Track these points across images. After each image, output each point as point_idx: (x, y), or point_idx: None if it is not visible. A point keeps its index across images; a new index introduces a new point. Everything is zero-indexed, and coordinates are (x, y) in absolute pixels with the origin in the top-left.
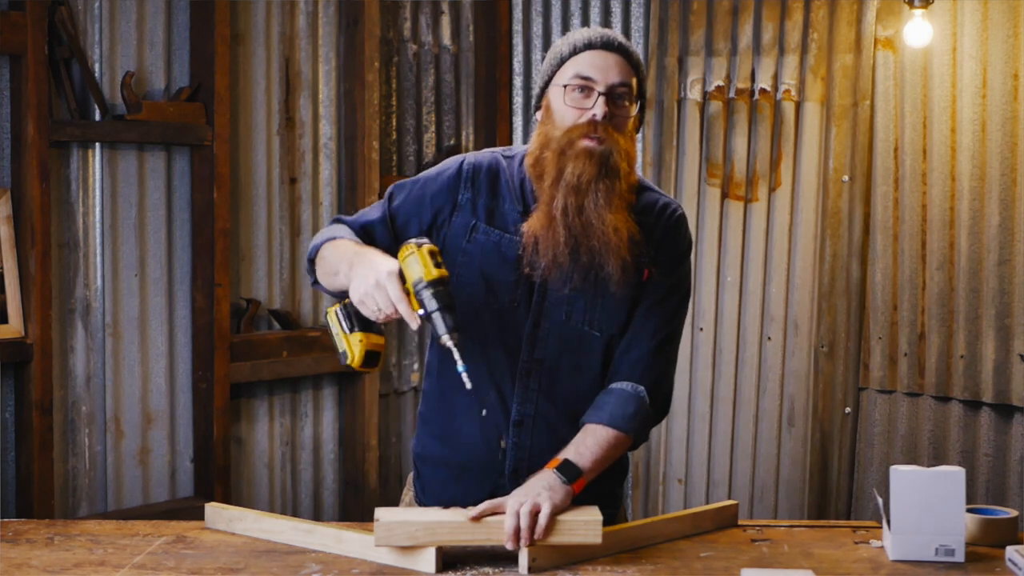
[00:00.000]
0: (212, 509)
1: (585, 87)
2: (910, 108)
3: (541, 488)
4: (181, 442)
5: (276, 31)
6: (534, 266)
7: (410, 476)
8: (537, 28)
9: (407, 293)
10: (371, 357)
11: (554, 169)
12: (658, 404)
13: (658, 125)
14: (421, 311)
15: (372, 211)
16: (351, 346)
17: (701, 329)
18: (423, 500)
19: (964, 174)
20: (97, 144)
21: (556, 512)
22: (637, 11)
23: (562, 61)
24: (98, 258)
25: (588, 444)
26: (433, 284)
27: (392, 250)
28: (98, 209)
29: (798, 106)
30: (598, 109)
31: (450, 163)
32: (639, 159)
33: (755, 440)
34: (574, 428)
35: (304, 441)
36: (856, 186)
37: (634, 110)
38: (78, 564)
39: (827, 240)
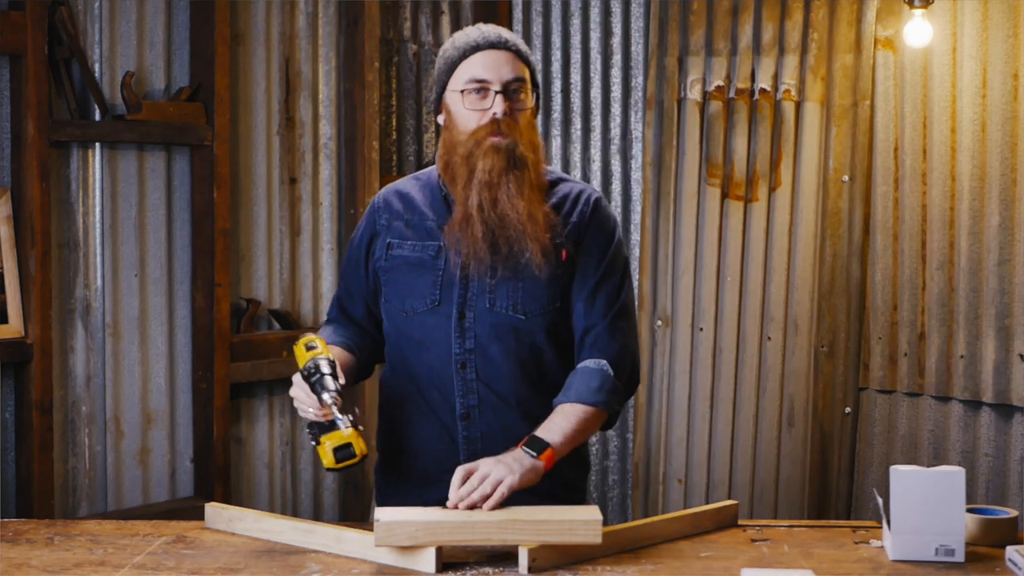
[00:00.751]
0: (212, 509)
1: (481, 88)
2: (910, 108)
3: (511, 460)
4: (181, 442)
5: (276, 31)
6: (459, 264)
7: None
8: (537, 28)
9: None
10: (340, 451)
11: (465, 170)
12: (624, 376)
13: (658, 125)
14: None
15: (334, 307)
16: (322, 455)
17: (701, 329)
18: None
19: (964, 174)
20: (97, 144)
21: (518, 485)
22: (637, 11)
23: (453, 66)
24: (98, 258)
25: (556, 420)
26: (305, 369)
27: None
28: (98, 209)
29: (798, 106)
30: (497, 107)
31: (370, 203)
32: (639, 159)
33: (755, 440)
34: (519, 412)
35: (304, 441)
36: (856, 186)
37: (530, 101)
38: (78, 564)
39: (827, 240)
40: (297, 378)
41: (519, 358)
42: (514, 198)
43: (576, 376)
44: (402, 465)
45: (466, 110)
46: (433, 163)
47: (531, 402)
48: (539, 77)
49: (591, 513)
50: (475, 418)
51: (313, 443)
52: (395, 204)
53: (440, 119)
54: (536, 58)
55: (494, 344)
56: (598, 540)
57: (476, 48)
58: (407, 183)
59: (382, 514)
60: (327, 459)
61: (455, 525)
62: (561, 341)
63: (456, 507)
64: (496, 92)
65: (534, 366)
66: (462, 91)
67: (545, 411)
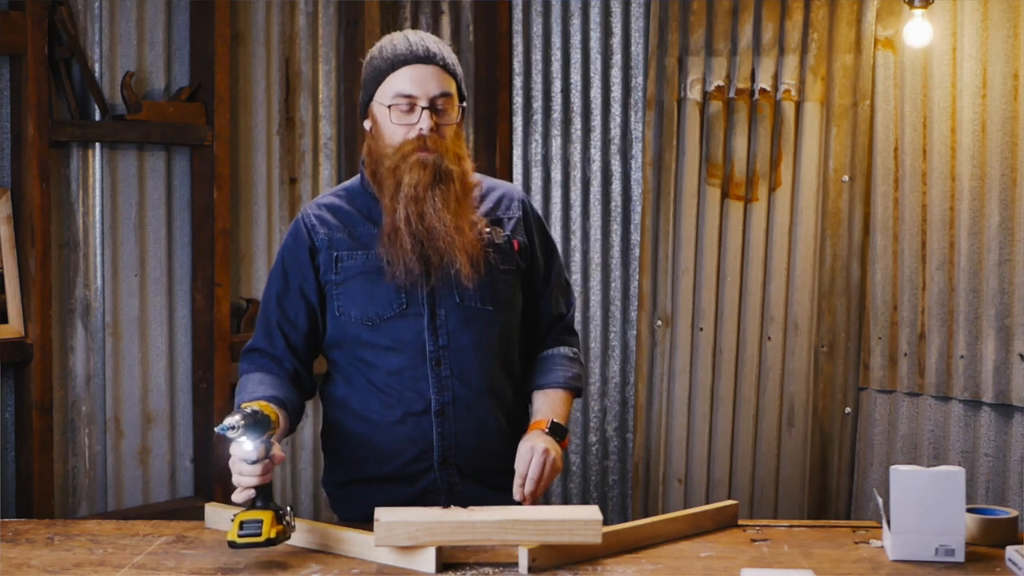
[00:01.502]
0: (212, 509)
1: (408, 103)
2: (910, 108)
3: (551, 444)
4: (181, 442)
5: (276, 31)
6: (393, 276)
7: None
8: (537, 28)
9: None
10: (248, 525)
11: (392, 182)
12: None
13: (658, 125)
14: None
15: (260, 336)
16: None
17: (701, 329)
18: (351, 517)
19: (964, 174)
20: (97, 144)
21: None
22: (637, 11)
23: (380, 77)
24: (98, 258)
25: (559, 403)
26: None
27: (312, 331)
28: (98, 209)
29: (798, 106)
30: (424, 123)
31: (290, 229)
32: (639, 159)
33: (755, 440)
34: (490, 403)
35: (304, 441)
36: (856, 186)
37: (457, 114)
38: (78, 564)
39: (827, 240)
40: (239, 447)
41: (489, 349)
42: (440, 211)
43: (555, 362)
44: (371, 472)
45: (392, 124)
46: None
47: (501, 393)
48: (464, 87)
49: (591, 513)
50: (449, 414)
51: (231, 518)
52: (330, 219)
53: (366, 125)
54: (536, 58)
55: (466, 338)
56: (598, 540)
57: (404, 62)
58: (331, 199)
59: (382, 514)
60: (231, 532)
61: (455, 525)
62: (520, 328)
63: (524, 498)
64: (423, 108)
65: (503, 356)
66: (389, 106)
67: (515, 399)
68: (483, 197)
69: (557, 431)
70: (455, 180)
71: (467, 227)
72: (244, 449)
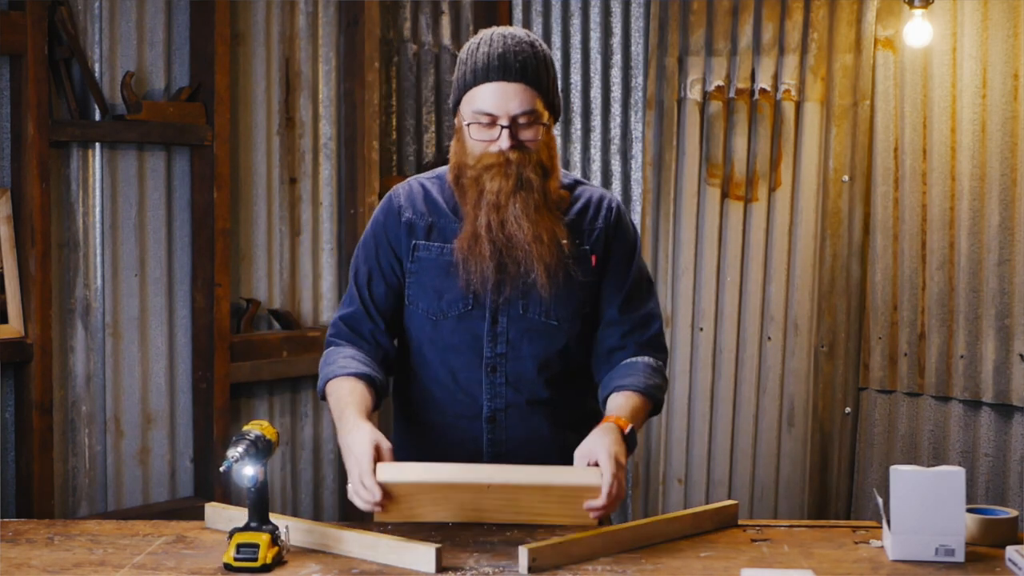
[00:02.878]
0: (212, 509)
1: (489, 120)
2: (910, 108)
3: (623, 452)
4: (181, 442)
5: (276, 31)
6: (468, 281)
7: None
8: (537, 28)
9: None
10: (244, 549)
11: (474, 191)
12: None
13: (658, 125)
14: None
15: (350, 305)
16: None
17: (701, 329)
18: None
19: (964, 174)
20: (97, 144)
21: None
22: (637, 11)
23: (466, 88)
24: (98, 258)
25: (636, 408)
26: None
27: (390, 323)
28: (98, 209)
29: (798, 106)
30: (503, 142)
31: (382, 204)
32: (639, 159)
33: (755, 440)
34: (544, 414)
35: (304, 441)
36: (856, 186)
37: (539, 132)
38: (78, 564)
39: (827, 240)
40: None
41: (548, 362)
42: (520, 219)
43: (637, 368)
44: None
45: (473, 139)
46: (446, 162)
47: (557, 404)
48: (556, 94)
49: (592, 471)
50: (501, 421)
51: (228, 538)
52: (419, 203)
53: (456, 120)
54: None
55: (525, 348)
56: (599, 485)
57: (487, 77)
58: (425, 181)
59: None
60: (227, 553)
61: (456, 468)
62: (588, 344)
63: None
64: (503, 127)
65: (562, 369)
66: (469, 124)
67: (571, 412)
68: (572, 203)
69: (631, 441)
70: (535, 189)
71: (547, 237)
72: (245, 475)
